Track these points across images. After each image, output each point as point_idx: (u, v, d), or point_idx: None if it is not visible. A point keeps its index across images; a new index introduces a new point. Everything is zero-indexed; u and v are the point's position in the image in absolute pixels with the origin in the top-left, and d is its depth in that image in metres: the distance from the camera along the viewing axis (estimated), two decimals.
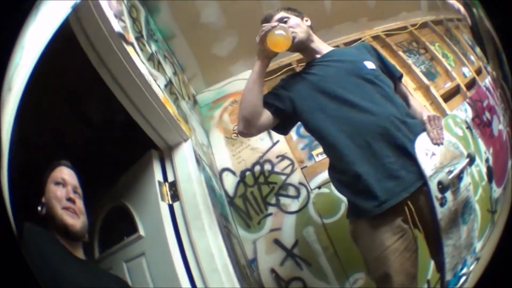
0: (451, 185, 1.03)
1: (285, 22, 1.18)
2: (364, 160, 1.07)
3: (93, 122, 1.27)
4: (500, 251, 1.19)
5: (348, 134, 1.09)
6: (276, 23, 1.13)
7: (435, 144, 1.06)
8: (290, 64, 1.26)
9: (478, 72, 1.25)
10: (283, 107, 1.18)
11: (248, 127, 1.18)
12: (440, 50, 1.30)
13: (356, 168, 1.08)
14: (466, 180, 1.07)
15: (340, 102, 1.12)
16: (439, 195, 1.02)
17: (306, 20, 1.22)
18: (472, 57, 1.27)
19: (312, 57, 1.22)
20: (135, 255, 1.16)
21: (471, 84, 1.26)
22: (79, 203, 1.05)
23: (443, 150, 1.05)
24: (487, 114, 1.23)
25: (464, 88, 1.27)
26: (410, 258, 1.06)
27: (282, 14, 1.20)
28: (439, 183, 1.02)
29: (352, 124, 1.10)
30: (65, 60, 1.13)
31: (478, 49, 1.27)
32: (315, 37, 1.23)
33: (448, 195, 1.03)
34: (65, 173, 1.06)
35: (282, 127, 1.22)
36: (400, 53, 1.28)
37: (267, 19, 1.19)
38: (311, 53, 1.22)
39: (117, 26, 1.15)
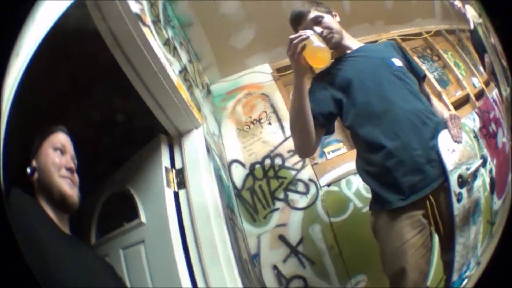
0: (468, 182, 1.05)
1: (319, 22, 1.15)
2: (393, 152, 1.07)
3: (98, 100, 1.23)
4: (496, 260, 1.21)
5: (378, 127, 1.10)
6: (306, 35, 1.05)
7: (455, 141, 1.08)
8: None
9: (487, 83, 1.29)
10: (329, 110, 1.15)
11: (307, 153, 1.17)
12: (453, 59, 1.34)
13: (385, 160, 1.08)
14: (478, 181, 1.09)
15: (371, 96, 1.12)
16: (457, 190, 1.04)
17: (335, 15, 1.20)
18: (482, 69, 1.31)
19: (342, 52, 1.21)
20: (134, 242, 1.11)
21: (480, 95, 1.30)
22: (75, 175, 0.97)
23: (461, 148, 1.07)
24: (493, 126, 1.25)
25: (474, 98, 1.30)
26: (425, 256, 1.06)
27: (315, 13, 1.16)
28: (460, 176, 1.05)
29: (382, 117, 1.10)
30: (76, 36, 1.09)
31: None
32: (345, 33, 1.21)
33: (464, 192, 1.05)
34: (64, 140, 1.00)
35: (329, 130, 1.18)
36: (415, 58, 1.31)
37: (299, 19, 1.15)
38: (341, 49, 1.21)
39: (134, 6, 1.11)
